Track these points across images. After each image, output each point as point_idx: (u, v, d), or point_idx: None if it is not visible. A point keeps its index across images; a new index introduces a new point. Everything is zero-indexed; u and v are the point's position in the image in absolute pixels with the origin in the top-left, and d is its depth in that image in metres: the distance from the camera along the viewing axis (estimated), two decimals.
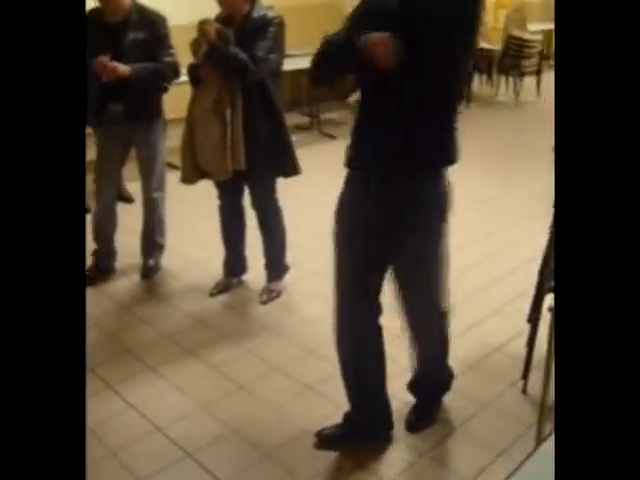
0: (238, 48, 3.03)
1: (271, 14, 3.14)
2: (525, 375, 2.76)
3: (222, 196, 3.46)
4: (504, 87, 9.08)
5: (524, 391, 2.73)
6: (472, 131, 7.59)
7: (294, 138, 3.44)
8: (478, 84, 9.08)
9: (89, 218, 3.84)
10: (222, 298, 3.58)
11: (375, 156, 2.10)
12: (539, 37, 9.49)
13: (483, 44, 8.88)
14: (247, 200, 3.47)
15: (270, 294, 3.52)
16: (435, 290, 2.33)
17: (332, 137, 6.52)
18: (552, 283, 2.56)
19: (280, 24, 3.13)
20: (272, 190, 3.39)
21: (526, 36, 9.25)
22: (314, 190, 4.60)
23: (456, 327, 3.20)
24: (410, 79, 1.91)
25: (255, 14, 3.12)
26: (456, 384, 2.75)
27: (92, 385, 2.82)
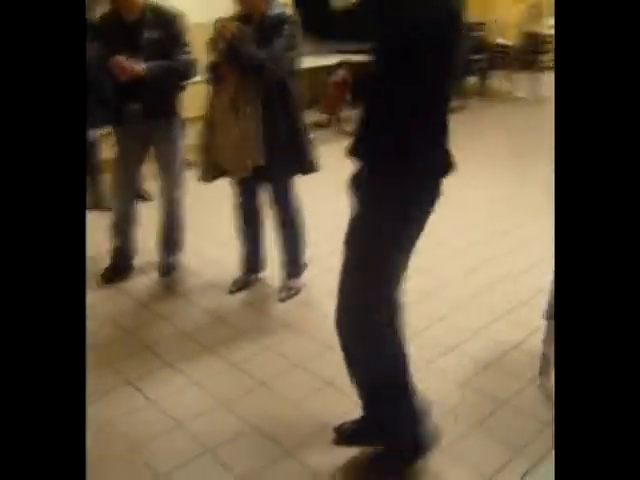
0: (256, 46, 3.04)
1: (289, 12, 3.14)
2: (542, 372, 2.75)
3: (240, 194, 3.48)
4: (523, 83, 9.03)
5: (542, 388, 2.73)
6: (489, 128, 7.58)
7: (312, 135, 3.44)
8: (496, 80, 9.02)
9: (108, 216, 3.88)
10: (241, 295, 3.60)
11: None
12: None
13: (499, 40, 8.86)
14: (265, 198, 3.49)
15: (289, 291, 3.53)
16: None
17: (351, 134, 6.50)
18: None
19: (297, 22, 3.13)
20: (290, 187, 3.40)
21: (544, 31, 9.19)
22: (331, 187, 4.59)
23: (472, 325, 3.22)
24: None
25: (272, 12, 3.13)
26: (474, 382, 2.75)
27: (111, 381, 2.86)
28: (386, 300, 2.19)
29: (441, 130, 2.05)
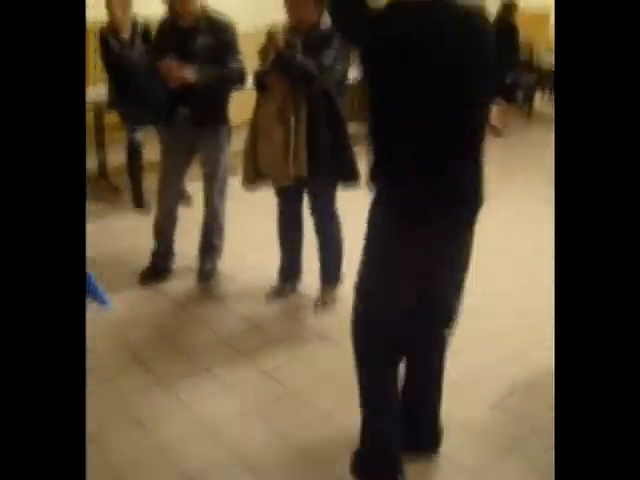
0: (305, 57, 3.07)
1: None
2: None
3: (282, 202, 3.50)
4: None
5: None
6: (535, 152, 7.49)
7: (357, 148, 3.45)
8: (539, 103, 8.94)
9: (150, 218, 3.93)
10: (277, 304, 3.60)
11: None
12: None
13: (547, 60, 8.77)
14: (306, 207, 3.50)
15: (324, 302, 3.53)
16: None
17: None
18: None
19: None
20: (332, 198, 3.40)
21: None
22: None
23: (509, 349, 3.18)
24: None
25: (323, 24, 3.15)
26: (505, 403, 2.71)
27: (144, 379, 2.89)
28: (382, 329, 2.20)
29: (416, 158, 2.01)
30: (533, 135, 8.13)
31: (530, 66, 9.13)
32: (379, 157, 2.07)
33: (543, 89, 9.40)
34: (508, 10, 7.90)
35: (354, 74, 3.10)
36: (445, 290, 2.23)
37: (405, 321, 2.19)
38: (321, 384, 2.89)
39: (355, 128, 3.38)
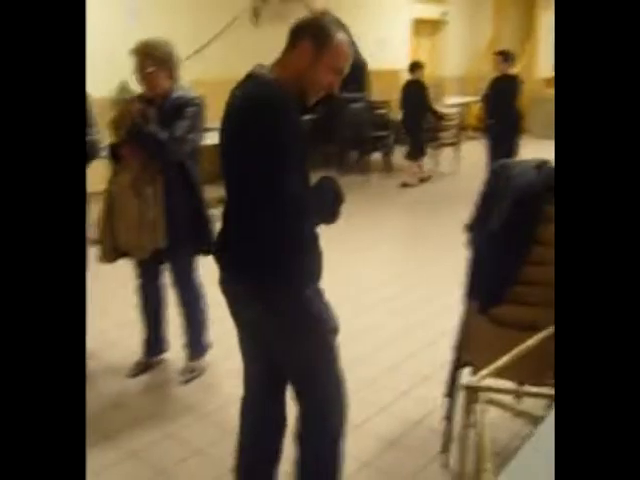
0: (158, 127, 3.06)
1: (191, 94, 3.20)
2: (445, 449, 2.78)
3: (141, 275, 3.43)
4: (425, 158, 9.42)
5: (445, 465, 2.75)
6: (392, 203, 7.83)
7: (217, 211, 3.45)
8: (399, 156, 9.37)
9: None
10: (142, 378, 3.49)
11: None
12: (456, 110, 9.98)
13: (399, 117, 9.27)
14: (167, 278, 3.45)
15: (191, 373, 3.46)
16: None
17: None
18: (465, 358, 2.63)
19: (199, 105, 3.18)
20: (192, 267, 3.38)
21: (444, 110, 9.70)
22: None
23: (376, 403, 3.24)
24: None
25: (175, 94, 3.17)
26: (378, 461, 2.75)
27: None
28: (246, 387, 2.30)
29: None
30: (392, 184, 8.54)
31: (387, 121, 9.60)
32: None
33: (399, 142, 9.90)
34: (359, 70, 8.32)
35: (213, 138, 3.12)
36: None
37: None
38: (189, 461, 2.81)
39: (210, 192, 3.39)
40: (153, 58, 3.11)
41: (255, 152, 1.86)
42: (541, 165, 2.48)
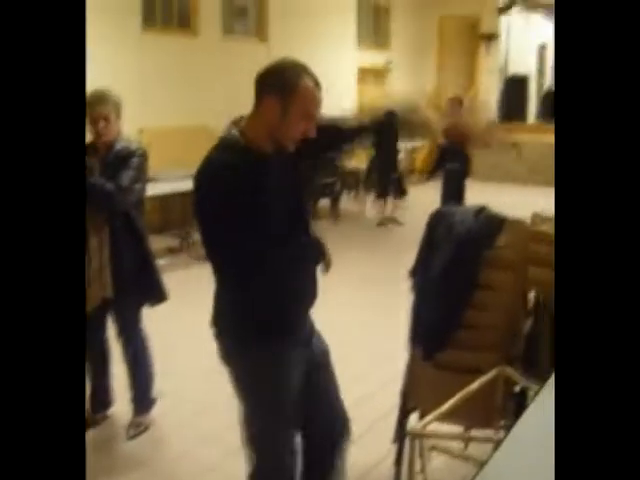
0: (102, 178, 3.05)
1: (134, 145, 3.20)
2: None
3: (86, 327, 3.35)
4: (371, 204, 9.53)
5: None
6: (340, 250, 7.86)
7: (164, 261, 3.43)
8: (346, 201, 9.47)
9: None
10: (87, 435, 3.38)
11: None
12: (402, 155, 10.19)
13: (351, 163, 9.42)
14: (112, 330, 3.39)
15: (137, 428, 3.37)
16: None
17: (205, 259, 6.44)
18: (412, 404, 2.64)
19: (143, 155, 3.19)
20: (138, 318, 3.33)
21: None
22: (183, 315, 4.55)
23: None
24: None
25: (119, 145, 3.17)
26: None
27: None
28: None
29: None
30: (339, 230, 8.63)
31: (335, 168, 9.73)
32: None
33: (349, 189, 10.03)
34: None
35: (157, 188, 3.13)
36: None
37: None
38: None
39: (156, 242, 3.37)
40: (106, 106, 3.10)
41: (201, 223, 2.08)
42: (480, 211, 2.55)
